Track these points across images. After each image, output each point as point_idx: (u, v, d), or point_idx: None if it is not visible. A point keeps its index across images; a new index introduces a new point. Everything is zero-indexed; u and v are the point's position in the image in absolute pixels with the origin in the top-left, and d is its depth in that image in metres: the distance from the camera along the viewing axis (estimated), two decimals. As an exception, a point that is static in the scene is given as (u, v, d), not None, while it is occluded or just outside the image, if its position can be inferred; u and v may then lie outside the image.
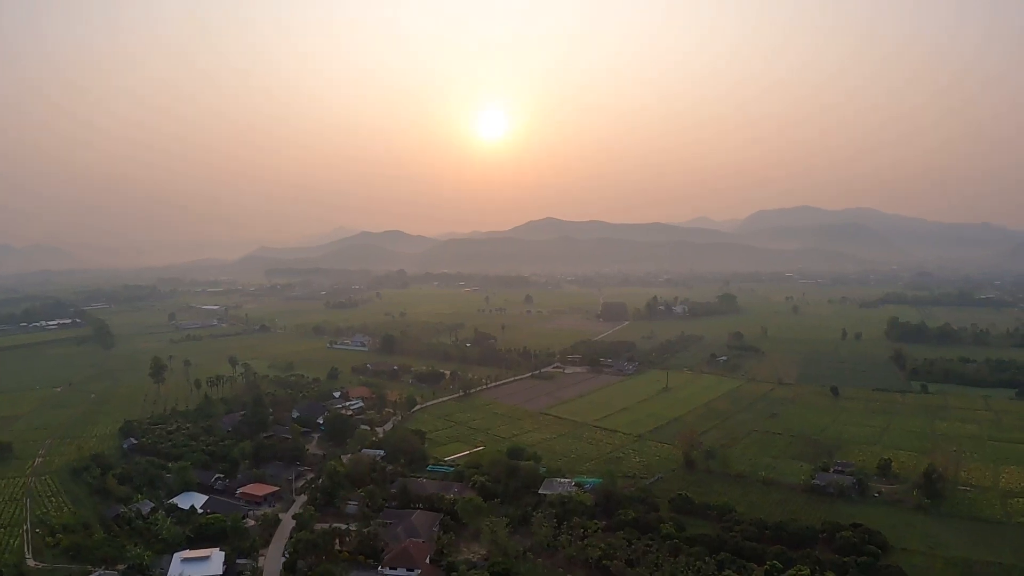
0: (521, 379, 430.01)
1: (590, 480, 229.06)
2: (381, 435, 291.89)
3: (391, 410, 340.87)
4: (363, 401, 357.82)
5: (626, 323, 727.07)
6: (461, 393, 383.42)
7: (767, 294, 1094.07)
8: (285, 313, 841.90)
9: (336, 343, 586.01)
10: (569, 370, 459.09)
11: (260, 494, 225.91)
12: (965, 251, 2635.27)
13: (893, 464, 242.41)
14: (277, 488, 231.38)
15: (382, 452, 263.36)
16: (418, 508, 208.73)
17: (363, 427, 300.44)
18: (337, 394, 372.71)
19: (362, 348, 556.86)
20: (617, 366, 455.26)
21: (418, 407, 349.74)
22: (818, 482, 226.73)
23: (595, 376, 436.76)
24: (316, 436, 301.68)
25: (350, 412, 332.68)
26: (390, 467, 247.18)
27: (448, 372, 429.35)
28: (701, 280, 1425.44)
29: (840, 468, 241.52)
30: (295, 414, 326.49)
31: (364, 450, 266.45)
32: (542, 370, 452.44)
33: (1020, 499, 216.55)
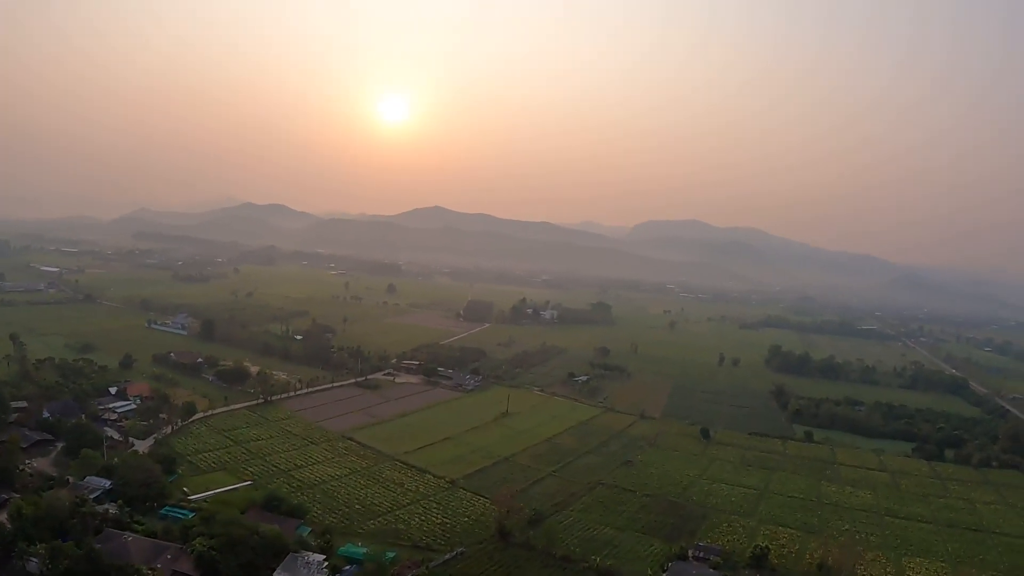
0: (342, 386, 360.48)
1: (359, 553, 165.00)
2: (135, 452, 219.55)
3: (166, 416, 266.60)
4: (140, 401, 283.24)
5: (487, 325, 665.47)
6: (262, 400, 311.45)
7: (645, 305, 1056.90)
8: (126, 282, 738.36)
9: (156, 322, 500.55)
10: (401, 379, 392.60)
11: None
12: (846, 279, 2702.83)
13: (771, 551, 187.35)
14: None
15: (108, 483, 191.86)
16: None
17: (112, 439, 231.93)
18: (113, 390, 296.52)
19: (181, 331, 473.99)
20: (457, 379, 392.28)
21: (199, 415, 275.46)
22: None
23: (428, 390, 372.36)
24: (58, 447, 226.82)
25: (115, 416, 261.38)
26: (103, 508, 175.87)
27: (256, 370, 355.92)
28: (580, 284, 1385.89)
29: (702, 554, 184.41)
30: (45, 414, 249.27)
31: (89, 478, 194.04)
32: (369, 377, 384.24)
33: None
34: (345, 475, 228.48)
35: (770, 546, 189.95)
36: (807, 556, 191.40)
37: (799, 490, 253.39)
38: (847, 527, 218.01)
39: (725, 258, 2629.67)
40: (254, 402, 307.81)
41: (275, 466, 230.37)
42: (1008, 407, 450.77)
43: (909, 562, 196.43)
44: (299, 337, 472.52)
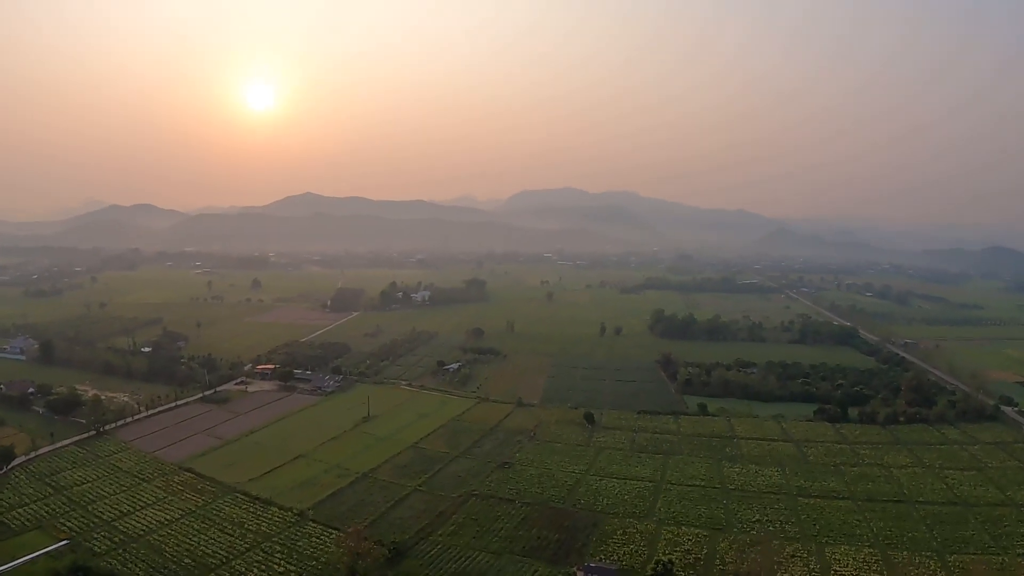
0: (188, 403, 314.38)
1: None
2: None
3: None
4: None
5: (355, 314, 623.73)
6: (94, 431, 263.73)
7: (522, 276, 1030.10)
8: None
9: None
10: (255, 387, 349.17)
11: None
12: (722, 235, 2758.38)
13: (675, 563, 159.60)
14: None
15: None
16: None
17: None
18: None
19: (19, 357, 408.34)
20: (316, 381, 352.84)
21: (19, 460, 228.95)
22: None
23: (284, 397, 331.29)
24: None
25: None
26: None
27: (92, 395, 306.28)
28: (456, 261, 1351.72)
29: (595, 575, 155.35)
30: None
31: None
32: (219, 388, 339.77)
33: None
34: (177, 519, 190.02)
35: (673, 558, 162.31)
36: (717, 562, 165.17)
37: (699, 476, 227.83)
38: (757, 518, 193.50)
39: (601, 223, 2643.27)
40: (84, 435, 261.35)
41: (98, 516, 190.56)
42: (902, 354, 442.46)
43: (833, 552, 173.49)
44: (147, 350, 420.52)
